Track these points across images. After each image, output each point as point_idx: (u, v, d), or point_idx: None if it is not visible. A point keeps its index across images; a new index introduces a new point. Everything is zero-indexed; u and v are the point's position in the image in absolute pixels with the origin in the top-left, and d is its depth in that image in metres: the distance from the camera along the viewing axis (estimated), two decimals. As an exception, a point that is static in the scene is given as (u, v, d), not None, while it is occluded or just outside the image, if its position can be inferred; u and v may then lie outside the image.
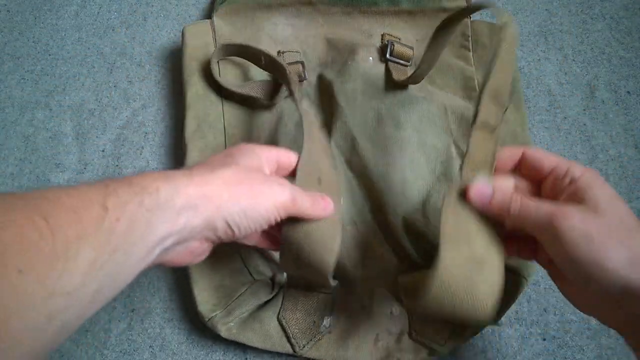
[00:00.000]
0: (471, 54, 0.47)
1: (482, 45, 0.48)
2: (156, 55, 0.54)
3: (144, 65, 0.53)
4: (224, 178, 0.27)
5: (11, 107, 0.52)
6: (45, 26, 0.57)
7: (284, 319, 0.38)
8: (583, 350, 0.39)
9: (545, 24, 0.53)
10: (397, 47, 0.46)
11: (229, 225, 0.27)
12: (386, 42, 0.47)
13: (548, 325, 0.40)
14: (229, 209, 0.26)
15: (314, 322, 0.39)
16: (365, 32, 0.48)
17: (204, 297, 0.39)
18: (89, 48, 0.55)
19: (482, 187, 0.28)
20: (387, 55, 0.46)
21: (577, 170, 0.27)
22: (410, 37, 0.49)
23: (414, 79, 0.43)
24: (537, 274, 0.42)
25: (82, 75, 0.53)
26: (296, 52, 0.48)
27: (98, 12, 0.57)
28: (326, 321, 0.39)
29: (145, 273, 0.44)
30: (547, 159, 0.29)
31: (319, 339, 0.38)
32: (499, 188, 0.28)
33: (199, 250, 0.28)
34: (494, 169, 0.30)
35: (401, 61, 0.46)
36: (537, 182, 0.30)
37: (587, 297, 0.28)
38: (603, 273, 0.24)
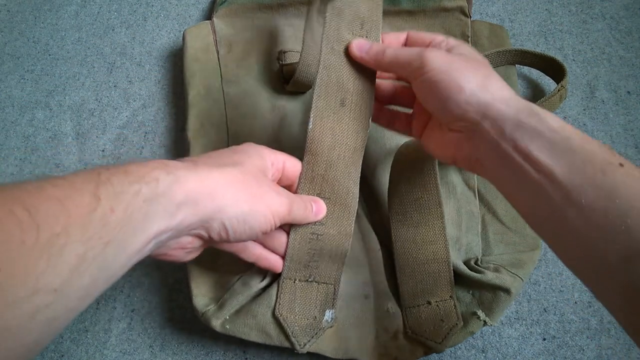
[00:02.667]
0: None
1: (481, 46, 0.48)
2: (156, 55, 0.54)
3: (144, 65, 0.53)
4: (230, 177, 0.26)
5: (11, 107, 0.52)
6: (45, 26, 0.57)
7: (280, 315, 0.35)
8: (583, 350, 0.39)
9: (545, 23, 0.53)
10: None
11: (225, 228, 0.26)
12: None
13: (548, 325, 0.40)
14: (229, 212, 0.26)
15: (315, 317, 0.36)
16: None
17: (201, 291, 0.38)
18: (89, 48, 0.55)
19: (361, 41, 0.32)
20: None
21: (452, 40, 0.31)
22: None
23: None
24: (537, 274, 0.42)
25: (82, 75, 0.53)
26: (297, 52, 0.48)
27: (98, 12, 0.57)
28: (328, 315, 0.36)
29: (145, 273, 0.44)
30: (427, 35, 0.32)
31: (321, 335, 0.36)
32: (374, 44, 0.32)
33: (190, 246, 0.28)
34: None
35: None
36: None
37: (444, 136, 0.30)
38: (461, 95, 0.27)
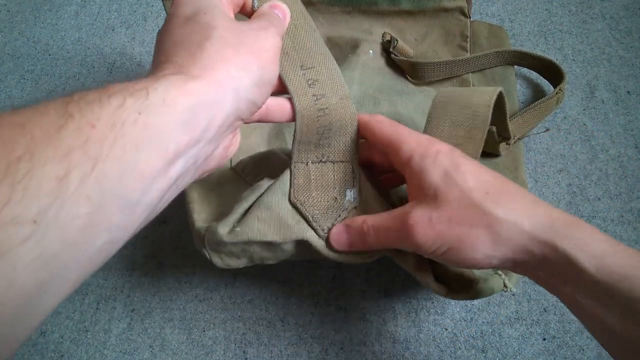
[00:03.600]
0: (469, 55, 0.47)
1: (480, 46, 0.48)
2: (156, 55, 0.54)
3: (144, 65, 0.53)
4: (220, 52, 0.23)
5: (11, 107, 0.52)
6: (45, 26, 0.57)
7: (297, 200, 0.31)
8: (583, 350, 0.39)
9: (545, 23, 0.53)
10: (400, 44, 0.47)
11: (251, 101, 0.24)
12: (387, 39, 0.47)
13: (548, 325, 0.40)
14: (245, 85, 0.23)
15: (335, 198, 0.32)
16: (366, 31, 0.49)
17: (201, 216, 0.34)
18: (89, 48, 0.55)
19: (335, 233, 0.30)
20: (391, 49, 0.46)
21: (407, 150, 0.28)
22: (409, 36, 0.49)
23: (416, 73, 0.43)
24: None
25: (82, 75, 0.53)
26: None
27: (98, 12, 0.57)
28: (350, 194, 0.32)
29: (145, 273, 0.44)
30: (387, 131, 0.30)
31: (345, 217, 0.32)
32: (350, 225, 0.30)
33: (231, 141, 0.26)
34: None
35: (402, 58, 0.47)
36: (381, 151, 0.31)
37: None
38: (474, 263, 0.26)
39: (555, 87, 0.46)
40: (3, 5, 0.59)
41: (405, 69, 0.47)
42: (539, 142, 0.47)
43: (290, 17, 0.31)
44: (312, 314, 0.41)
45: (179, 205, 0.47)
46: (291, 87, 0.31)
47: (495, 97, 0.33)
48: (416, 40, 0.49)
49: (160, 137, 0.19)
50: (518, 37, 0.53)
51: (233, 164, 0.40)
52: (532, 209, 0.25)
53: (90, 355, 0.41)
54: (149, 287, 0.44)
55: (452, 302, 0.41)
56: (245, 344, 0.41)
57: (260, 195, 0.31)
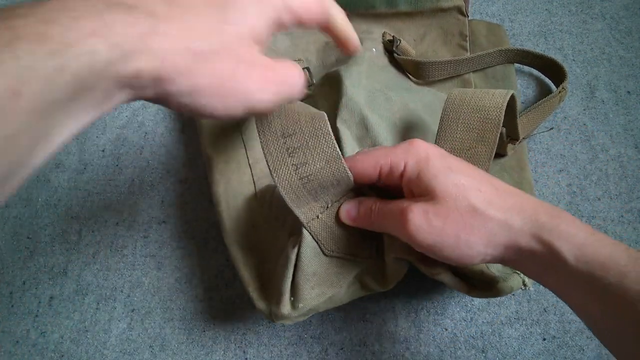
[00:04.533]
0: (469, 54, 0.47)
1: (479, 45, 0.48)
2: (156, 55, 0.54)
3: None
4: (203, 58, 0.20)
5: (11, 107, 0.52)
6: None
7: (331, 251, 0.32)
8: (583, 350, 0.39)
9: (545, 23, 0.53)
10: (403, 43, 0.47)
11: (190, 105, 0.21)
12: (389, 39, 0.47)
13: (548, 325, 0.40)
14: (195, 95, 0.21)
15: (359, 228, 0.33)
16: (365, 31, 0.49)
17: (252, 277, 0.36)
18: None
19: (349, 207, 0.31)
20: (394, 48, 0.46)
21: (399, 162, 0.28)
22: (408, 37, 0.49)
23: (420, 72, 0.44)
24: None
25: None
26: (299, 60, 0.48)
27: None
28: None
29: (145, 273, 0.44)
30: (368, 164, 0.29)
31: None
32: (363, 202, 0.31)
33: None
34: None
35: (405, 57, 0.47)
36: (377, 181, 0.31)
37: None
38: (470, 260, 0.26)
39: (557, 85, 0.46)
40: (3, 5, 0.59)
41: (408, 68, 0.47)
42: (539, 142, 0.47)
43: None
44: (312, 314, 0.41)
45: (178, 205, 0.47)
46: (269, 160, 0.30)
47: (507, 99, 0.33)
48: (415, 41, 0.49)
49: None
50: (518, 37, 0.53)
51: (257, 189, 0.41)
52: (520, 206, 0.26)
53: (90, 356, 0.41)
54: (149, 287, 0.44)
55: (452, 302, 0.41)
56: (245, 344, 0.41)
57: (297, 266, 0.32)
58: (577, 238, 0.24)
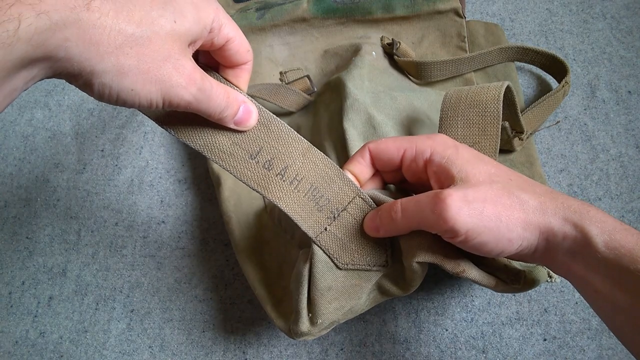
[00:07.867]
0: (468, 54, 0.47)
1: (478, 45, 0.48)
2: (156, 55, 0.54)
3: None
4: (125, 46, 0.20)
5: (10, 106, 0.52)
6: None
7: (345, 263, 0.31)
8: (584, 350, 0.39)
9: (545, 23, 0.53)
10: (403, 46, 0.47)
11: (96, 89, 0.21)
12: (387, 42, 0.47)
13: (549, 325, 0.40)
14: (102, 75, 0.20)
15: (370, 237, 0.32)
16: (363, 37, 0.48)
17: (267, 295, 0.36)
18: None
19: (368, 219, 0.30)
20: (394, 51, 0.46)
21: (425, 149, 0.28)
22: (406, 40, 0.49)
23: (421, 73, 0.44)
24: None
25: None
26: (298, 69, 0.48)
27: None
28: None
29: (145, 273, 0.44)
30: (392, 145, 0.29)
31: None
32: (378, 209, 0.29)
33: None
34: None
35: (406, 59, 0.47)
36: (398, 168, 0.31)
37: None
38: (509, 245, 0.26)
39: (559, 81, 0.46)
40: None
41: (409, 69, 0.47)
42: (540, 142, 0.47)
43: None
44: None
45: (178, 206, 0.47)
46: (254, 185, 0.29)
47: (503, 91, 0.33)
48: (413, 44, 0.49)
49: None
50: (519, 36, 0.53)
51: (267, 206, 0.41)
52: (550, 192, 0.27)
53: (89, 356, 0.41)
54: (148, 287, 0.44)
55: (453, 302, 0.41)
56: (245, 344, 0.41)
57: (310, 282, 0.31)
58: (607, 225, 0.24)
